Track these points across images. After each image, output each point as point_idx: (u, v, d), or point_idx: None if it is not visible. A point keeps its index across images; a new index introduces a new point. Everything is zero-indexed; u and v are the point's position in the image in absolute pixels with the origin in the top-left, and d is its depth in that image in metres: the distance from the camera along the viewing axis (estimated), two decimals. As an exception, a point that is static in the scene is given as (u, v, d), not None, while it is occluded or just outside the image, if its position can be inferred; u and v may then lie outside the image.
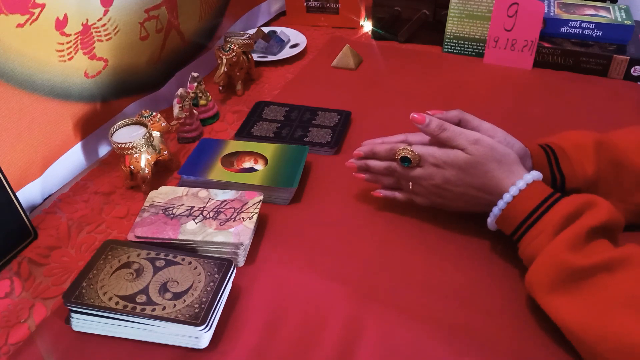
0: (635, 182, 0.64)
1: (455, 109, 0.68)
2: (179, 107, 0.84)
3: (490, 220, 0.63)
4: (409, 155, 0.65)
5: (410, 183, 0.68)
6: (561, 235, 0.54)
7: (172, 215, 0.68)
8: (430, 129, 0.65)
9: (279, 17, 1.34)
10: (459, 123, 0.68)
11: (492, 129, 0.66)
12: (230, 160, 0.79)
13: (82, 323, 0.57)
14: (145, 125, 0.77)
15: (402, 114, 0.74)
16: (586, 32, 1.05)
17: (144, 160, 0.76)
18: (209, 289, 0.58)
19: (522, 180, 0.59)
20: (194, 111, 0.89)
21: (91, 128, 0.84)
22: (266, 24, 1.29)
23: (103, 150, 0.87)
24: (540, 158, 0.67)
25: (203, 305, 0.56)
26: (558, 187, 0.66)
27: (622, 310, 0.49)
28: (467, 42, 1.11)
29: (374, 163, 0.71)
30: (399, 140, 0.70)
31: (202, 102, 0.92)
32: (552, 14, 1.08)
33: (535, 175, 0.60)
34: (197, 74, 0.90)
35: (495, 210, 0.61)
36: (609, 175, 0.65)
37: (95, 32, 0.78)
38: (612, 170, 0.65)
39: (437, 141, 0.65)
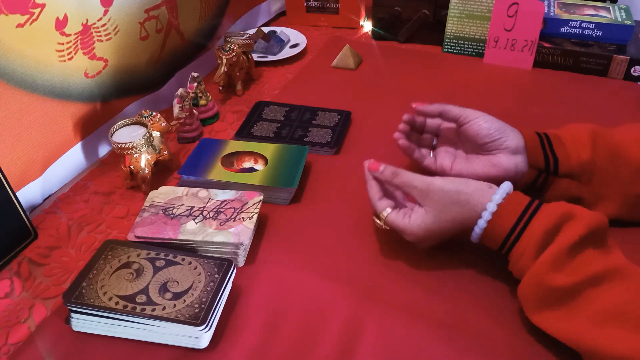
0: (634, 173, 0.64)
1: (437, 103, 0.71)
2: (179, 107, 0.84)
3: (474, 241, 0.62)
4: (381, 225, 0.64)
5: None
6: (543, 257, 0.53)
7: (172, 215, 0.68)
8: (385, 176, 0.64)
9: (279, 17, 1.34)
10: (440, 115, 0.71)
11: (473, 113, 0.68)
12: (230, 160, 0.79)
13: (82, 323, 0.57)
14: (145, 125, 0.77)
15: (402, 114, 0.74)
16: (586, 32, 1.05)
17: (144, 160, 0.76)
18: (209, 289, 0.58)
19: (487, 210, 0.58)
20: (194, 111, 0.89)
21: (91, 128, 0.84)
22: (266, 24, 1.29)
23: (103, 150, 0.87)
24: (534, 140, 0.67)
25: (203, 305, 0.56)
26: (551, 170, 0.66)
27: (610, 323, 0.49)
28: (467, 42, 1.11)
29: (370, 187, 0.67)
30: (435, 111, 0.71)
31: (202, 102, 0.92)
32: (552, 14, 1.08)
33: (498, 198, 0.58)
34: (197, 74, 0.90)
35: (474, 240, 0.61)
36: (607, 165, 0.65)
37: (95, 32, 0.78)
38: (610, 160, 0.65)
39: (392, 186, 0.65)
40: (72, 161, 0.81)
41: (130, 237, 0.66)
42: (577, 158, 0.65)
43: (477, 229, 0.59)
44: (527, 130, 0.69)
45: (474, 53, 1.12)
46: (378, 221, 0.64)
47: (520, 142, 0.67)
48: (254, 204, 0.69)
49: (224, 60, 0.96)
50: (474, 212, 0.59)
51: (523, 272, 0.56)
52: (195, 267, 0.61)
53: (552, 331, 0.53)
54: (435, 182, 0.60)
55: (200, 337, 0.55)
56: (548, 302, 0.53)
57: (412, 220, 0.61)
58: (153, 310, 0.56)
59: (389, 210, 0.63)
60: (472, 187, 0.60)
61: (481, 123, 0.67)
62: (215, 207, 0.69)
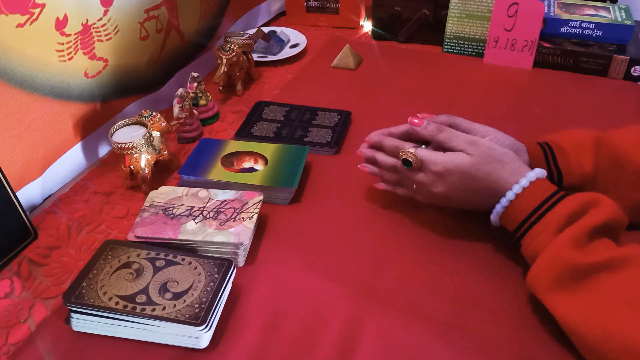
0: (634, 179, 0.64)
1: (445, 114, 0.68)
2: (179, 107, 0.84)
3: (493, 217, 0.63)
4: (410, 159, 0.65)
5: (414, 185, 0.67)
6: (564, 233, 0.54)
7: (172, 215, 0.68)
8: (428, 131, 0.65)
9: (279, 17, 1.34)
10: (450, 127, 0.68)
11: (483, 129, 0.67)
12: (230, 160, 0.79)
13: (82, 323, 0.57)
14: (145, 125, 0.77)
15: (402, 114, 0.74)
16: (586, 32, 1.05)
17: (144, 160, 0.76)
18: (209, 289, 0.58)
19: (525, 178, 0.59)
20: (194, 111, 0.89)
21: (91, 128, 0.84)
22: (266, 24, 1.29)
23: (103, 150, 0.87)
24: (537, 155, 0.67)
25: (203, 305, 0.56)
26: (555, 183, 0.67)
27: (623, 311, 0.49)
28: (467, 42, 1.11)
29: (381, 157, 0.70)
30: (403, 131, 0.70)
31: (202, 102, 0.92)
32: (552, 14, 1.08)
33: (539, 172, 0.60)
34: (197, 74, 0.90)
35: (498, 208, 0.61)
36: (608, 172, 0.65)
37: (95, 32, 0.78)
38: (611, 167, 0.65)
39: (435, 143, 0.65)
40: (72, 161, 0.81)
41: (130, 237, 0.66)
42: (580, 171, 0.66)
43: (510, 194, 0.59)
44: (531, 143, 0.68)
45: (474, 53, 1.12)
46: (406, 156, 0.65)
47: (526, 162, 0.67)
48: (254, 204, 0.69)
49: (224, 60, 0.96)
50: (511, 177, 0.60)
51: (539, 249, 0.56)
52: (195, 267, 0.61)
53: (563, 313, 0.53)
54: (483, 139, 0.63)
55: (200, 337, 0.55)
56: (563, 281, 0.53)
57: (448, 153, 0.63)
58: (153, 310, 0.56)
59: (413, 147, 0.65)
60: (516, 157, 0.62)
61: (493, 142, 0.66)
62: (215, 207, 0.69)
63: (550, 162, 0.67)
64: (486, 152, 0.61)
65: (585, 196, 0.57)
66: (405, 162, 0.65)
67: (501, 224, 0.63)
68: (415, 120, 0.66)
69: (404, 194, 0.71)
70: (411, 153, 0.65)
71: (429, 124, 0.66)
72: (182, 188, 0.73)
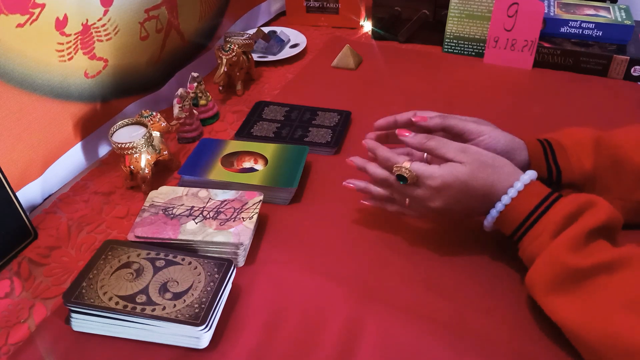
0: (635, 179, 0.64)
1: (438, 114, 0.68)
2: (179, 107, 0.84)
3: (487, 222, 0.62)
4: (405, 175, 0.62)
5: (407, 200, 0.65)
6: (561, 236, 0.54)
7: (172, 215, 0.68)
8: (417, 140, 0.64)
9: (279, 17, 1.34)
10: (443, 131, 0.67)
11: (477, 129, 0.66)
12: (230, 160, 0.79)
13: (82, 323, 0.57)
14: (145, 125, 0.77)
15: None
16: (586, 32, 1.05)
17: (144, 160, 0.76)
18: (209, 289, 0.58)
19: (520, 181, 0.59)
20: (194, 111, 0.89)
21: (91, 128, 0.84)
22: (266, 24, 1.29)
23: (103, 150, 0.87)
24: (537, 151, 0.67)
25: (203, 305, 0.56)
26: (554, 180, 0.66)
27: (622, 312, 0.49)
28: (467, 42, 1.11)
29: (373, 169, 0.67)
30: (408, 119, 0.69)
31: (202, 102, 0.92)
32: (552, 14, 1.08)
33: (532, 175, 0.60)
34: (197, 74, 0.90)
35: (493, 212, 0.61)
36: (608, 172, 0.65)
37: (95, 32, 0.78)
38: (611, 167, 0.65)
39: (424, 151, 0.64)
40: (72, 161, 0.81)
41: (130, 237, 0.66)
42: (579, 169, 0.65)
43: (506, 198, 0.59)
44: (530, 139, 0.68)
45: (474, 53, 1.12)
46: (401, 172, 0.62)
47: (525, 158, 0.66)
48: (254, 204, 0.69)
49: (224, 60, 0.96)
50: (505, 180, 0.60)
51: (537, 252, 0.56)
52: (195, 267, 0.61)
53: (562, 315, 0.53)
54: (472, 146, 0.62)
55: (200, 337, 0.55)
56: (561, 284, 0.53)
57: (443, 166, 0.61)
58: (153, 310, 0.56)
59: (407, 161, 0.63)
60: (507, 161, 0.62)
61: (487, 142, 0.65)
62: (215, 207, 0.69)
63: (550, 159, 0.67)
64: (478, 158, 0.60)
65: (581, 198, 0.56)
66: (400, 177, 0.62)
67: (495, 227, 0.63)
68: (406, 134, 0.65)
69: (394, 210, 0.68)
70: (406, 168, 0.62)
71: (416, 135, 0.64)
72: (182, 188, 0.73)
